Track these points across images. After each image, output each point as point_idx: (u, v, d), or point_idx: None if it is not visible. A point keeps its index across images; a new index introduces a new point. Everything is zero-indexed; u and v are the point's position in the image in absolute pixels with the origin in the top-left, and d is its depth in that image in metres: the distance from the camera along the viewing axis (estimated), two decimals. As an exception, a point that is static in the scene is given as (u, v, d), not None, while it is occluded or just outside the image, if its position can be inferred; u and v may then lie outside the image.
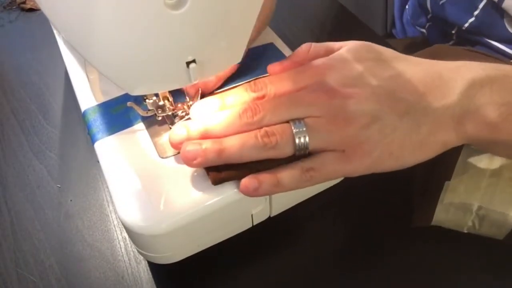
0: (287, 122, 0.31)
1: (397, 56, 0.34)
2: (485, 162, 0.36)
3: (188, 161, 0.31)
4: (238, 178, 0.32)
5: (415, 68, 0.33)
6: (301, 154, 0.31)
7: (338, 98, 0.31)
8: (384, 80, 0.32)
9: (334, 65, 0.33)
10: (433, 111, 0.32)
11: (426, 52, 0.45)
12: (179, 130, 0.32)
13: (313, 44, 0.36)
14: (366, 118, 0.31)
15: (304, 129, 0.31)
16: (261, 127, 0.31)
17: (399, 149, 0.31)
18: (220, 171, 0.32)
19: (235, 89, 0.35)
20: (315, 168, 0.31)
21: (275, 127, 0.31)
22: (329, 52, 0.35)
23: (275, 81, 0.34)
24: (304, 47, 0.36)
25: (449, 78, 0.32)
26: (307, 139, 0.31)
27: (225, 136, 0.32)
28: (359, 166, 0.31)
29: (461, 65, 0.33)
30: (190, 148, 0.31)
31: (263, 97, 0.33)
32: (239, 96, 0.34)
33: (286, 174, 0.31)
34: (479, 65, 0.33)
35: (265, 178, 0.31)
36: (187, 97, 0.37)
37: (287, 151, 0.31)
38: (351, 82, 0.32)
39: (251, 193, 0.31)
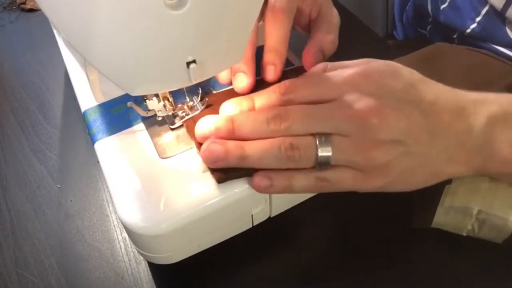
0: (313, 134, 0.31)
1: (428, 82, 0.33)
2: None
3: (208, 161, 0.31)
4: (243, 176, 0.32)
5: (445, 97, 0.33)
6: (321, 168, 0.31)
7: (372, 117, 0.30)
8: (420, 105, 0.31)
9: (371, 74, 0.32)
10: (452, 147, 0.32)
11: (428, 50, 0.45)
12: (206, 125, 0.32)
13: (329, 64, 0.35)
14: (394, 145, 0.30)
15: (330, 148, 0.30)
16: (286, 135, 0.31)
17: (412, 176, 0.32)
18: (225, 170, 0.32)
19: (265, 90, 0.34)
20: (331, 180, 0.31)
21: (300, 140, 0.31)
22: None
23: (306, 86, 0.33)
24: (321, 67, 0.35)
25: (470, 112, 0.32)
26: (330, 156, 0.30)
27: (250, 138, 0.31)
28: (371, 186, 0.32)
29: (480, 100, 0.33)
30: (212, 148, 0.31)
31: (291, 101, 0.33)
32: (268, 98, 0.33)
33: (299, 180, 0.31)
34: (497, 99, 0.33)
35: (278, 178, 0.31)
36: (187, 97, 0.37)
37: (308, 164, 0.31)
38: (388, 101, 0.31)
39: (262, 191, 0.31)
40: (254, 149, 0.31)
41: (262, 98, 0.34)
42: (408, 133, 0.31)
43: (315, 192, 0.32)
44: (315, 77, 0.34)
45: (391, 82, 0.32)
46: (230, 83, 0.38)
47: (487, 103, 0.33)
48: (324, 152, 0.30)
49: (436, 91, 0.33)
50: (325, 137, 0.30)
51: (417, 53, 0.45)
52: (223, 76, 0.38)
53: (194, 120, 0.35)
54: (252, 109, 0.34)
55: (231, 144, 0.31)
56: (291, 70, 0.38)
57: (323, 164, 0.30)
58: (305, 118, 0.31)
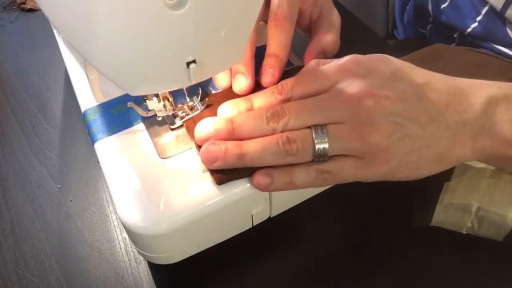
0: (309, 127, 0.31)
1: (418, 68, 0.34)
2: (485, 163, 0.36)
3: (207, 162, 0.31)
4: (243, 176, 0.32)
5: (439, 79, 0.33)
6: (320, 160, 0.31)
7: (365, 99, 0.30)
8: (412, 85, 0.32)
9: (361, 61, 0.32)
10: (454, 125, 0.31)
11: (427, 51, 0.45)
12: (205, 127, 0.32)
13: (321, 60, 0.35)
14: (391, 126, 0.30)
15: (326, 139, 0.30)
16: (283, 131, 0.31)
17: (416, 160, 0.31)
18: (225, 171, 0.32)
19: (263, 91, 0.35)
20: (331, 171, 0.31)
21: (297, 133, 0.31)
22: None
23: (300, 83, 0.33)
24: (313, 63, 0.35)
25: (469, 93, 0.32)
26: (327, 147, 0.30)
27: (250, 138, 0.32)
28: (374, 173, 0.31)
29: (478, 83, 0.33)
30: (211, 149, 0.31)
31: (289, 99, 0.33)
32: (266, 99, 0.34)
33: (300, 174, 0.31)
34: (495, 83, 0.33)
35: (278, 175, 0.31)
36: (187, 97, 0.37)
37: (307, 157, 0.31)
38: (380, 82, 0.31)
39: (263, 189, 0.31)
40: (252, 147, 0.31)
41: (260, 99, 0.34)
42: (404, 114, 0.30)
43: (317, 186, 0.32)
44: (309, 72, 0.34)
45: (382, 66, 0.32)
46: (227, 88, 0.38)
47: (485, 85, 0.33)
48: (321, 143, 0.30)
49: (428, 75, 0.33)
50: (321, 128, 0.30)
51: (415, 53, 0.45)
52: (220, 81, 0.38)
53: (194, 120, 0.35)
54: (251, 110, 0.34)
55: (230, 144, 0.31)
56: (291, 70, 0.38)
57: (321, 156, 0.31)
58: (300, 112, 0.31)
